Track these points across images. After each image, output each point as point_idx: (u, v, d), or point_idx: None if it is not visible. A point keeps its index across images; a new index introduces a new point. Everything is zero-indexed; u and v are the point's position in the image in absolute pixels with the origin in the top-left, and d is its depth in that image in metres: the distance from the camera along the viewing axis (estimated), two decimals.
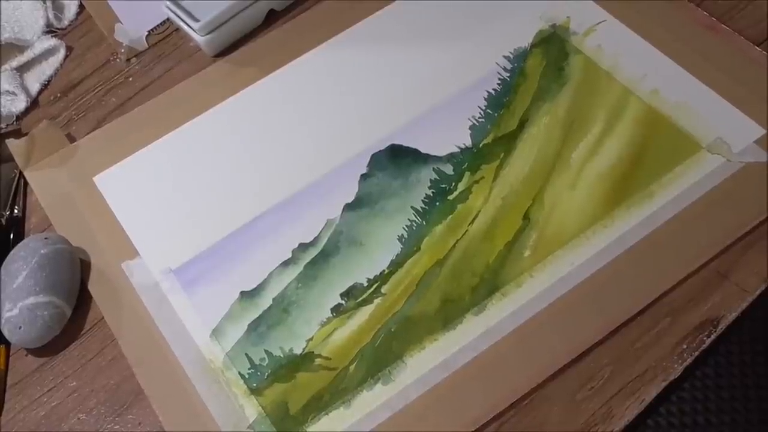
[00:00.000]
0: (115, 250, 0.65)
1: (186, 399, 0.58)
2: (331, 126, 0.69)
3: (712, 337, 0.56)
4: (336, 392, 0.56)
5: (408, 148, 0.66)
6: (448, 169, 0.65)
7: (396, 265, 0.61)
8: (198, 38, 0.73)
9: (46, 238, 0.62)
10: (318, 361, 0.58)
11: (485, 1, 0.73)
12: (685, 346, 0.56)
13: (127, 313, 0.62)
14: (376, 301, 0.60)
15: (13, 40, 0.78)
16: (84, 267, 0.64)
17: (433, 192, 0.64)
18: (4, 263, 0.62)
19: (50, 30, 0.80)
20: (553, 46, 0.70)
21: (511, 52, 0.70)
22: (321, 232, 0.63)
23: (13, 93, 0.76)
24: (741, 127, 0.63)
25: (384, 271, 0.61)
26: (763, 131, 0.62)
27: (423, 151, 0.66)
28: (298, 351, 0.59)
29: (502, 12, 0.73)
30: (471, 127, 0.67)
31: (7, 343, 0.62)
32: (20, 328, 0.59)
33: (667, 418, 0.57)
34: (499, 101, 0.68)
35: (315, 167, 0.67)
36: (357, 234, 0.63)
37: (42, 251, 0.61)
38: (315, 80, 0.72)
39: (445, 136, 0.66)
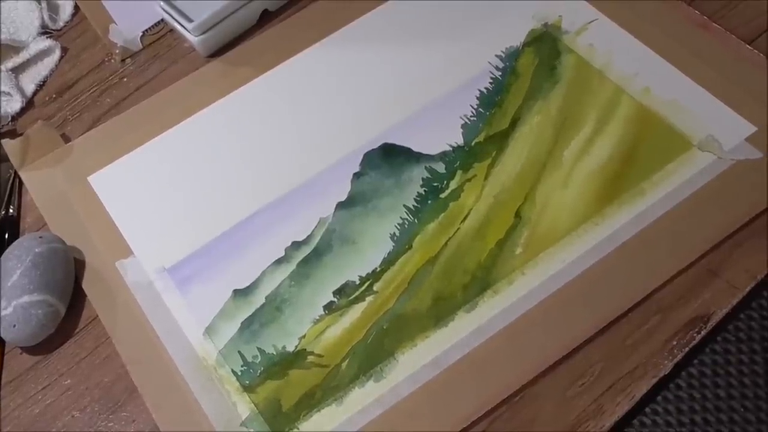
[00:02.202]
0: (110, 249, 0.65)
1: (179, 396, 0.58)
2: (324, 125, 0.69)
3: (702, 333, 0.56)
4: (328, 389, 0.57)
5: (400, 147, 0.67)
6: (440, 167, 0.65)
7: (388, 263, 0.61)
8: (192, 38, 0.74)
9: (40, 237, 0.63)
10: (310, 358, 0.58)
11: (477, 0, 0.74)
12: (675, 343, 0.56)
13: (121, 311, 0.62)
14: (369, 299, 0.60)
15: (9, 41, 0.78)
16: (78, 266, 0.64)
17: (425, 190, 0.64)
18: None
19: (45, 31, 0.81)
20: (545, 45, 0.70)
21: (503, 51, 0.70)
22: (314, 230, 0.64)
23: (9, 94, 0.76)
24: (732, 124, 0.63)
25: (376, 269, 0.61)
26: (754, 129, 0.63)
27: (415, 149, 0.66)
28: (290, 349, 0.59)
29: (494, 11, 0.73)
30: (463, 126, 0.67)
31: (2, 342, 0.62)
32: (14, 326, 0.59)
33: (664, 417, 0.57)
34: (491, 100, 0.68)
35: (308, 166, 0.67)
36: (350, 232, 0.63)
37: (36, 250, 0.61)
38: (308, 80, 0.72)
39: (438, 135, 0.67)
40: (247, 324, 0.60)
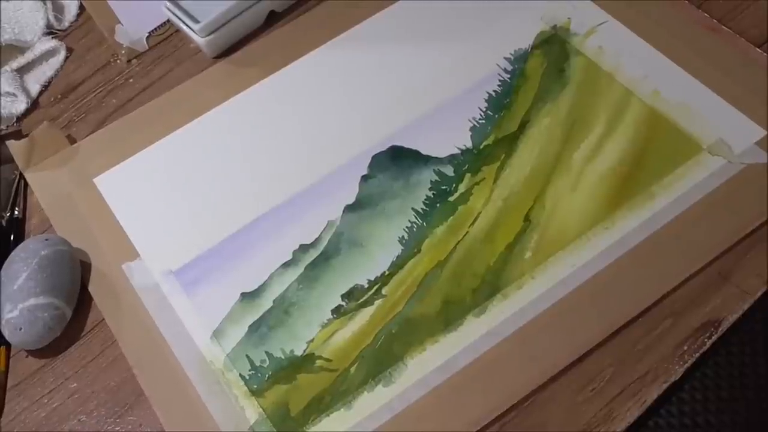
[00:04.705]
0: (116, 251, 0.65)
1: (187, 400, 0.57)
2: (331, 127, 0.69)
3: (713, 338, 0.56)
4: (337, 394, 0.56)
5: (409, 149, 0.66)
6: (449, 170, 0.65)
7: (397, 266, 0.61)
8: (198, 39, 0.73)
9: (46, 240, 0.62)
10: (319, 362, 0.58)
11: (486, 2, 0.73)
12: (686, 348, 0.55)
13: (128, 314, 0.62)
14: (377, 302, 0.60)
15: (14, 42, 0.78)
16: (84, 268, 0.64)
17: (433, 193, 0.64)
18: (5, 265, 0.62)
19: (50, 31, 0.80)
20: (554, 47, 0.70)
21: (511, 54, 0.70)
22: (322, 233, 0.63)
23: (14, 94, 0.76)
24: (742, 128, 0.63)
25: (385, 272, 0.61)
26: (764, 133, 0.62)
27: (423, 152, 0.66)
28: (298, 352, 0.58)
29: (503, 13, 0.73)
30: (471, 129, 0.67)
31: (8, 345, 0.62)
32: (20, 329, 0.59)
33: (666, 419, 0.57)
34: (499, 102, 0.68)
35: (315, 168, 0.67)
36: (358, 235, 0.63)
37: (42, 252, 0.61)
38: (316, 81, 0.72)
39: (446, 138, 0.66)
40: (254, 327, 0.60)
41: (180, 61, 0.77)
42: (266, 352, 0.59)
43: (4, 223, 0.68)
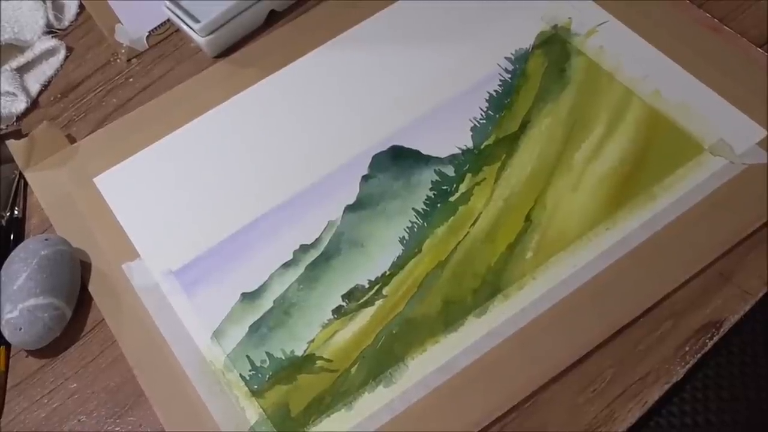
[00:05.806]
0: (116, 251, 0.65)
1: (187, 401, 0.57)
2: (332, 127, 0.69)
3: (714, 339, 0.55)
4: (337, 394, 0.56)
5: (409, 149, 0.66)
6: (450, 170, 0.65)
7: (397, 266, 0.61)
8: (198, 39, 0.73)
9: (46, 240, 0.62)
10: (319, 363, 0.58)
11: (486, 2, 0.73)
12: (687, 349, 0.55)
13: (128, 314, 0.62)
14: (378, 302, 0.60)
15: (13, 41, 0.77)
16: (84, 268, 0.64)
17: (434, 193, 0.64)
18: (5, 265, 0.62)
19: (50, 30, 0.80)
20: (555, 47, 0.70)
21: (512, 54, 0.70)
22: (322, 233, 0.63)
23: (13, 94, 0.76)
24: (743, 129, 0.63)
25: (385, 272, 0.61)
26: (765, 133, 0.62)
27: (424, 152, 0.66)
28: (299, 353, 0.58)
29: (504, 13, 0.72)
30: (472, 129, 0.66)
31: (8, 345, 0.62)
32: (20, 329, 0.59)
33: (667, 419, 0.57)
34: (500, 102, 0.67)
35: (316, 168, 0.66)
36: (358, 235, 0.63)
37: (42, 252, 0.61)
38: (316, 81, 0.72)
39: (447, 138, 0.66)
40: (255, 328, 0.60)
41: (180, 61, 0.77)
42: (267, 353, 0.58)
43: (4, 222, 0.68)
